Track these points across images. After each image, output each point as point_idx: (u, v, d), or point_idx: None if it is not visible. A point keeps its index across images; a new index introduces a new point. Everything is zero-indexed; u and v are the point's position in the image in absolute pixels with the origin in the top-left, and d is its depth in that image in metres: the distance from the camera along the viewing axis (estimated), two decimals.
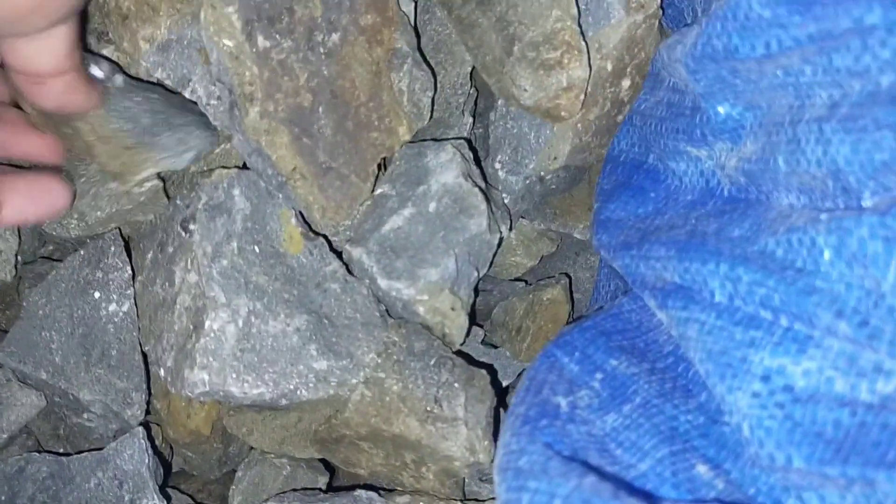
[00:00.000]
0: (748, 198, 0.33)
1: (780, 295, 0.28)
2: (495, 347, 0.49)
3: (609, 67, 0.42)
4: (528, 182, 0.45)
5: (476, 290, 0.42)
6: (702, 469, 0.28)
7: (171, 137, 0.37)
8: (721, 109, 0.33)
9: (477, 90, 0.46)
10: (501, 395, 0.44)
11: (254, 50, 0.34)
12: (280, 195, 0.38)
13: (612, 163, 0.43)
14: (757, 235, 0.30)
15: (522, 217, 0.48)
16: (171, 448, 0.42)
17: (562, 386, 0.31)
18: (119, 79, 0.36)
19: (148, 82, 0.37)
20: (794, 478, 0.27)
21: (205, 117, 0.38)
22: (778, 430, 0.27)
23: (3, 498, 0.38)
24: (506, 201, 0.45)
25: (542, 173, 0.45)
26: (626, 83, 0.43)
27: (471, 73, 0.44)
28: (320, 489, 0.39)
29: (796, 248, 0.28)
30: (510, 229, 0.44)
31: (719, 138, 0.34)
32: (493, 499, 0.37)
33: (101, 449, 0.38)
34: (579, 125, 0.43)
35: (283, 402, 0.36)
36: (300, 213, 0.38)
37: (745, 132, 0.33)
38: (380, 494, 0.37)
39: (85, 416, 0.38)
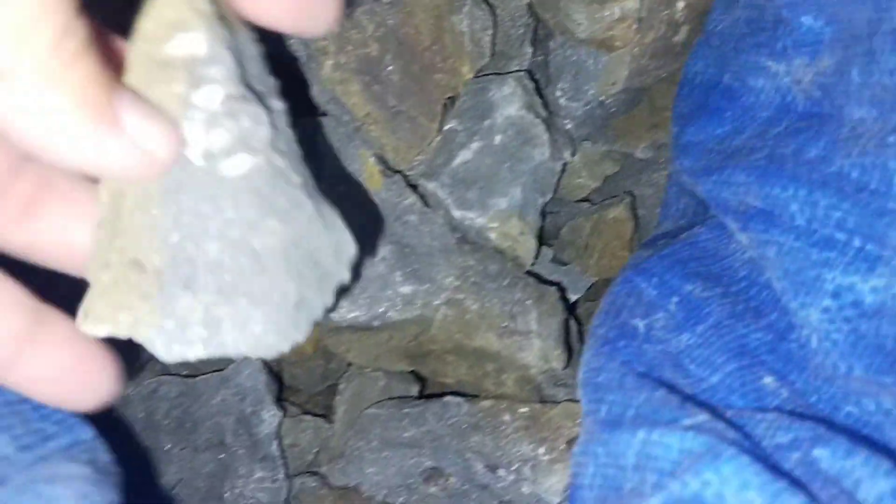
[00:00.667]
0: (822, 112, 0.34)
1: (854, 217, 0.30)
2: (565, 264, 0.52)
3: None
4: (588, 107, 0.47)
5: (543, 214, 0.45)
6: (768, 380, 0.31)
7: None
8: (804, 21, 0.34)
9: (537, 19, 0.48)
10: (570, 309, 0.47)
11: None
12: (358, 138, 0.41)
13: (688, 86, 0.44)
14: (832, 156, 0.31)
15: (585, 140, 0.50)
16: (281, 366, 0.48)
17: (640, 309, 0.34)
18: (242, 163, 0.21)
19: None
20: (854, 385, 0.29)
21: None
22: (843, 343, 0.29)
23: (142, 415, 0.44)
24: (568, 127, 0.47)
25: (602, 98, 0.47)
26: (680, 4, 0.44)
27: (529, 4, 0.46)
28: (413, 397, 0.44)
29: (870, 171, 0.29)
30: (573, 154, 0.47)
31: (799, 52, 0.35)
32: (567, 400, 0.41)
33: (222, 370, 0.43)
34: (636, 49, 0.44)
35: (376, 323, 0.40)
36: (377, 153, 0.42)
37: (823, 46, 0.34)
38: (466, 400, 0.41)
39: None
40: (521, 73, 0.45)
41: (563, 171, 0.45)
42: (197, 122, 0.20)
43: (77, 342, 0.21)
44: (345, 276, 0.24)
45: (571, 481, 0.29)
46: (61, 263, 0.21)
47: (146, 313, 0.21)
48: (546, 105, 0.46)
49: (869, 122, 0.31)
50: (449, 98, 0.42)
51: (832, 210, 0.31)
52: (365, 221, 0.41)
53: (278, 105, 0.22)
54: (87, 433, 0.24)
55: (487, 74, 0.45)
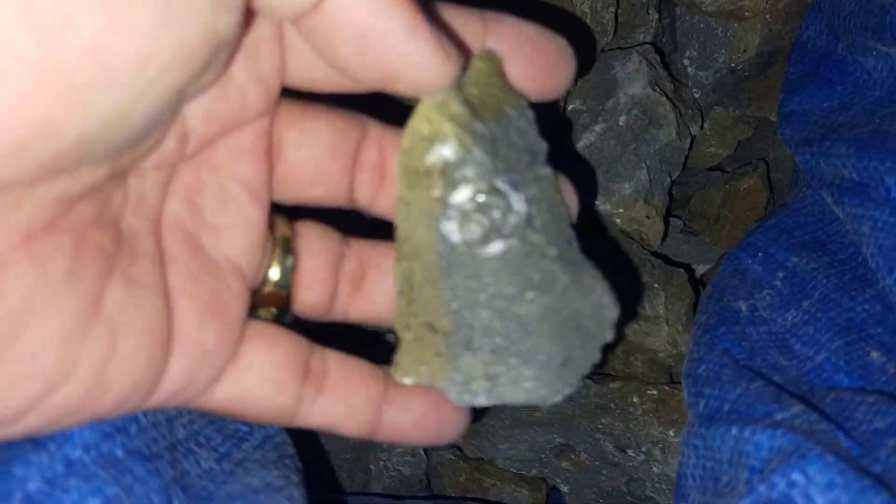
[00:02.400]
0: None
1: None
2: (695, 235, 0.53)
3: None
4: (718, 76, 0.48)
5: (670, 193, 0.46)
6: (875, 355, 0.32)
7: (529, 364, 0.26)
8: None
9: None
10: (699, 282, 0.49)
11: None
12: None
13: (800, 50, 0.44)
14: None
15: (716, 105, 0.51)
16: None
17: (743, 289, 0.36)
18: (497, 247, 0.25)
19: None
20: None
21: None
22: None
23: None
24: (696, 96, 0.48)
25: (733, 65, 0.47)
26: None
27: None
28: None
29: None
30: (701, 126, 0.48)
31: None
32: None
33: None
34: (768, 16, 0.45)
35: None
36: None
37: None
38: (594, 381, 0.45)
39: None
40: (646, 47, 0.46)
41: (690, 146, 0.46)
42: (454, 220, 0.24)
43: (425, 392, 0.26)
44: (607, 336, 0.27)
45: (679, 468, 0.32)
46: (383, 323, 0.27)
47: (440, 367, 0.26)
48: (672, 75, 0.47)
49: None
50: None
51: None
52: None
53: (544, 171, 0.26)
54: (274, 427, 0.29)
55: (611, 49, 0.46)
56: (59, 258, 0.19)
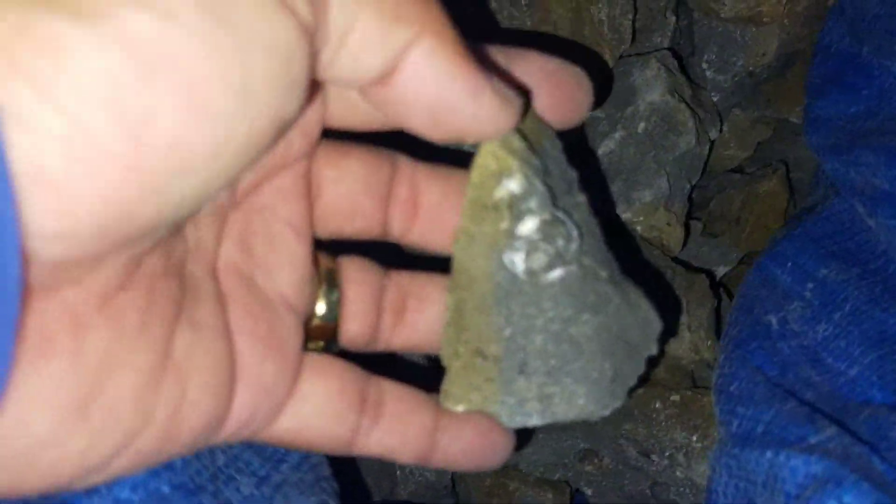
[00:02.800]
0: None
1: None
2: (715, 237, 0.54)
3: None
4: (737, 79, 0.48)
5: (690, 198, 0.47)
6: None
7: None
8: None
9: None
10: (720, 285, 0.50)
11: None
12: None
13: (823, 53, 0.45)
14: None
15: (734, 107, 0.51)
16: None
17: (773, 301, 0.36)
18: (558, 273, 0.26)
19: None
20: None
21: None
22: None
23: None
24: (715, 100, 0.49)
25: (752, 68, 0.48)
26: None
27: None
28: None
29: None
30: (720, 130, 0.48)
31: None
32: None
33: None
34: (786, 20, 0.45)
35: None
36: None
37: None
38: None
39: None
40: (664, 52, 0.47)
41: (710, 151, 0.47)
42: (521, 250, 0.25)
43: (474, 418, 0.27)
44: (653, 350, 0.29)
45: (708, 483, 0.33)
46: (426, 350, 0.28)
47: (491, 392, 0.27)
48: (690, 79, 0.48)
49: None
50: None
51: None
52: None
53: (580, 198, 0.27)
54: None
55: (629, 56, 0.47)
56: (132, 313, 0.20)
